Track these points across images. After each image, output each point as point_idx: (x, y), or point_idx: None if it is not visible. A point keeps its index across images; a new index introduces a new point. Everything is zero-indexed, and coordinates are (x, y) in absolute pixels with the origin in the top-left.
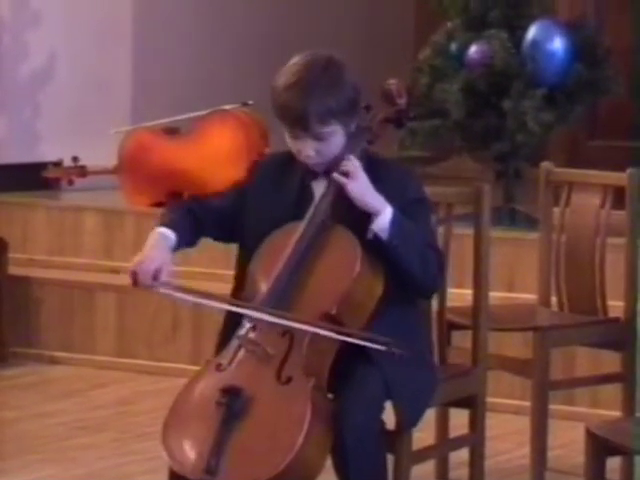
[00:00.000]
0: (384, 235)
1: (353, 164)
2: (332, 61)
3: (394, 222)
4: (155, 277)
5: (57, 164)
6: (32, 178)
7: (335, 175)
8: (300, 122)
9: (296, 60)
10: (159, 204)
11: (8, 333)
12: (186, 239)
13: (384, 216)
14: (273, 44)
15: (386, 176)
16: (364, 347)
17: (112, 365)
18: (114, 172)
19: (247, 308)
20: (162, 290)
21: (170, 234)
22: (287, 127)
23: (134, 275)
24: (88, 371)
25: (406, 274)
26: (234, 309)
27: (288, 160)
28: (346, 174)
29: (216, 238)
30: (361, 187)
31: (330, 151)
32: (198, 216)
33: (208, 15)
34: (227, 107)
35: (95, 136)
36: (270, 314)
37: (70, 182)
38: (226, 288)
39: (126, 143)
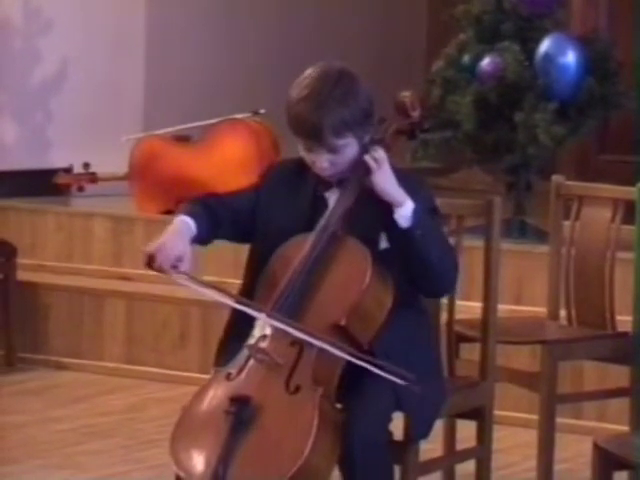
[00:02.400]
0: (406, 223)
1: (380, 154)
2: (345, 72)
3: (416, 212)
4: (174, 265)
5: (67, 170)
6: (42, 184)
7: (367, 157)
8: (314, 135)
9: (309, 72)
10: (169, 211)
11: (16, 338)
12: (203, 234)
13: (406, 206)
14: (285, 54)
15: (400, 185)
16: (374, 357)
17: (120, 372)
18: (125, 179)
19: (261, 310)
20: (178, 278)
21: (192, 224)
22: (301, 139)
23: (151, 257)
24: (96, 377)
25: (425, 267)
26: (248, 310)
27: (301, 167)
28: (376, 160)
29: (230, 238)
30: (386, 176)
31: (344, 162)
32: (216, 212)
33: (220, 24)
34: (238, 116)
35: (106, 143)
36: (284, 322)
37: (80, 188)
38: None
39: (137, 150)
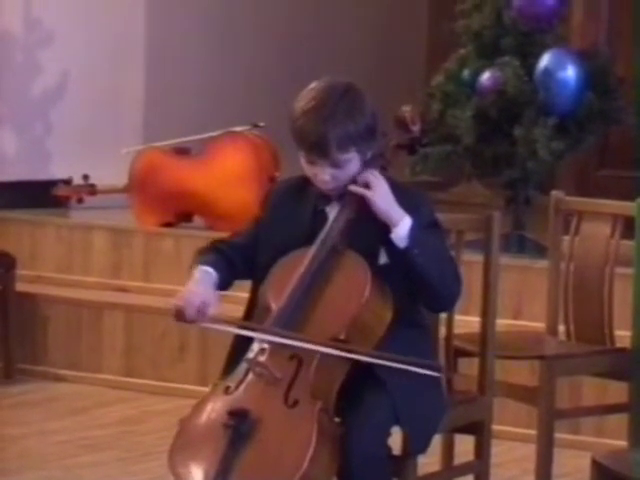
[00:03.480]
0: (403, 243)
1: (373, 174)
2: (351, 87)
3: (413, 230)
4: (200, 311)
5: (67, 182)
6: (42, 196)
7: (353, 187)
8: (318, 148)
9: (314, 85)
10: (168, 224)
11: (15, 350)
12: (224, 279)
13: (403, 225)
14: (286, 68)
15: (400, 199)
16: (373, 372)
17: (118, 384)
18: (124, 191)
19: (285, 337)
20: (208, 325)
21: (212, 271)
22: (304, 152)
23: (179, 309)
24: (94, 389)
25: (425, 285)
26: (277, 339)
27: (301, 185)
28: (366, 185)
29: (248, 277)
30: (381, 197)
31: (346, 177)
32: (229, 256)
33: (220, 37)
34: (238, 129)
35: (106, 155)
36: (286, 336)
37: (80, 200)
38: (234, 309)
39: (137, 163)
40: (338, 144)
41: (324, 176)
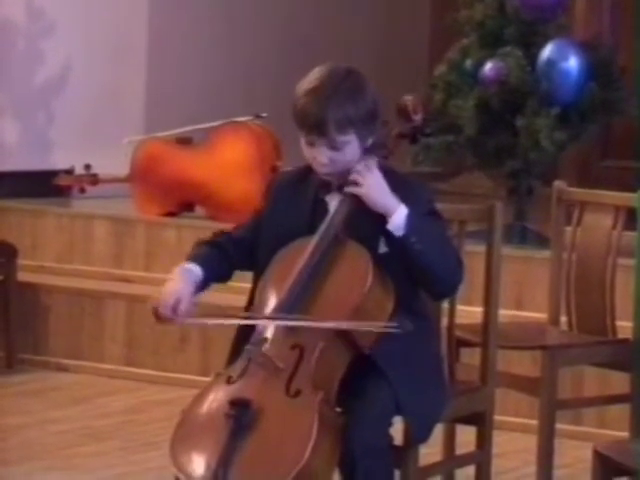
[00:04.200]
0: (400, 232)
1: (365, 166)
2: (353, 71)
3: (409, 218)
4: (174, 310)
5: (69, 172)
6: (43, 185)
7: (347, 190)
8: (317, 127)
9: (317, 69)
10: (170, 213)
11: (16, 339)
12: (215, 272)
13: (399, 214)
14: (286, 58)
15: (398, 189)
16: (375, 362)
17: (120, 374)
18: (126, 181)
19: (267, 318)
20: (184, 322)
21: (194, 267)
22: (304, 132)
23: (155, 310)
24: (95, 379)
25: (426, 272)
26: (256, 322)
27: (303, 176)
28: (356, 183)
29: (249, 268)
30: (374, 189)
31: (344, 161)
32: (225, 248)
33: (221, 27)
34: (240, 119)
35: (108, 145)
36: (289, 319)
37: (82, 190)
38: (233, 299)
39: (139, 152)
40: (337, 124)
41: (322, 158)
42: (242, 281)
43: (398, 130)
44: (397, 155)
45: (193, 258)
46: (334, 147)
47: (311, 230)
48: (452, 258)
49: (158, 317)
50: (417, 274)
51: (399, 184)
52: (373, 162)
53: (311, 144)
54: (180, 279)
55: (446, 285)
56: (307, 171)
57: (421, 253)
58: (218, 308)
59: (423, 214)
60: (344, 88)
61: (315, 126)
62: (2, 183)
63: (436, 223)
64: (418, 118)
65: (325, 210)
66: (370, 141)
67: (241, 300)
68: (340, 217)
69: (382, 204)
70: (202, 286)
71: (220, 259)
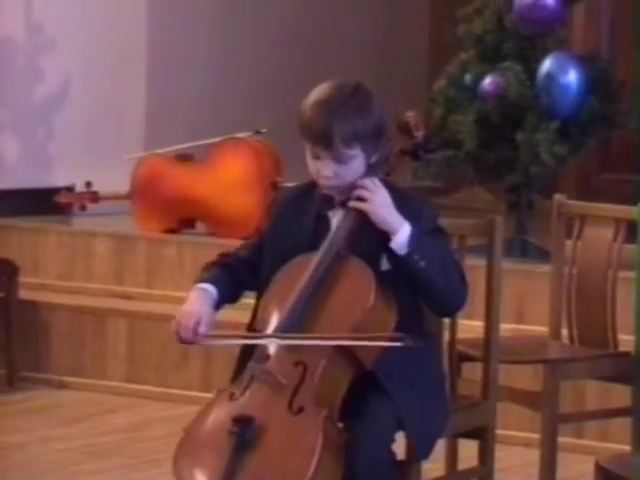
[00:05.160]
0: (403, 251)
1: (372, 183)
2: (361, 86)
3: (413, 236)
4: (195, 331)
5: (69, 189)
6: (44, 203)
7: (352, 203)
8: (323, 139)
9: (325, 83)
10: (171, 230)
11: (18, 357)
12: (227, 293)
13: (402, 232)
14: (286, 74)
15: (402, 206)
16: (377, 378)
17: (122, 391)
18: (127, 198)
19: (270, 337)
20: (205, 342)
21: (210, 288)
22: (310, 145)
23: (177, 333)
24: (97, 396)
25: (430, 290)
26: (260, 341)
27: (305, 192)
28: (362, 199)
29: (258, 288)
30: (380, 206)
31: (348, 176)
32: (234, 269)
33: (223, 44)
34: (240, 135)
35: (108, 162)
36: (293, 338)
37: (82, 207)
38: (234, 314)
39: (139, 169)
40: (343, 138)
41: (327, 172)
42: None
43: (400, 147)
44: (398, 170)
45: (206, 279)
46: (340, 161)
47: (313, 246)
48: (456, 277)
49: (181, 340)
50: (421, 292)
51: (403, 201)
52: (377, 178)
53: (317, 157)
54: (197, 300)
55: (450, 303)
56: (310, 187)
57: (424, 271)
58: (227, 325)
59: (427, 232)
60: (352, 102)
61: (321, 138)
62: (3, 201)
63: (440, 241)
64: (420, 135)
65: (327, 226)
66: (375, 158)
67: (244, 316)
68: (343, 233)
69: (387, 221)
70: (217, 306)
71: (230, 280)
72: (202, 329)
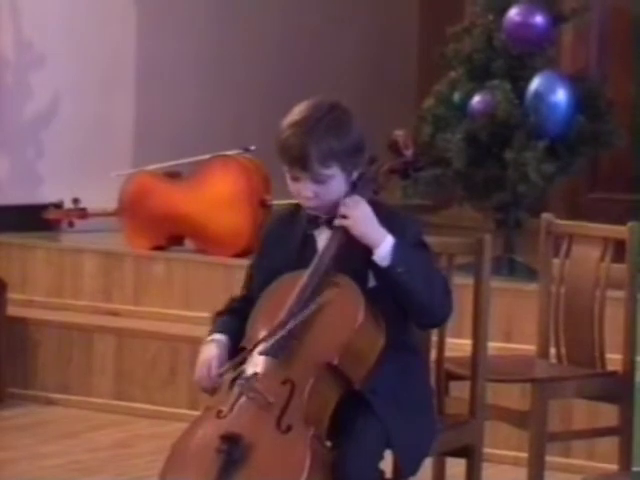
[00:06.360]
0: (385, 262)
1: (348, 202)
2: (337, 105)
3: (395, 248)
4: (212, 378)
5: (58, 206)
6: (32, 219)
7: (336, 222)
8: (300, 161)
9: (303, 103)
10: (159, 247)
11: (5, 374)
12: (238, 337)
13: (385, 245)
14: (275, 92)
15: (387, 222)
16: (364, 396)
17: (109, 408)
18: (115, 215)
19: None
20: (222, 379)
21: (218, 336)
22: (287, 167)
23: (202, 389)
24: (85, 413)
25: (413, 302)
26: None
27: (292, 213)
28: (344, 216)
29: None
30: (361, 221)
31: (329, 195)
32: (243, 312)
33: (210, 60)
34: (229, 152)
35: (97, 178)
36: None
37: (71, 224)
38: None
39: (128, 186)
40: (319, 158)
41: (307, 192)
42: None
43: (389, 165)
44: (387, 188)
45: (216, 329)
46: (318, 181)
47: (299, 264)
48: (440, 289)
49: (205, 391)
50: (405, 304)
51: (387, 216)
52: (361, 196)
53: (295, 179)
54: (206, 349)
55: (434, 315)
56: (297, 207)
57: (407, 283)
58: None
59: (410, 245)
60: (326, 121)
61: (297, 159)
62: None
63: (423, 254)
64: (409, 153)
65: (313, 245)
66: (356, 175)
67: None
68: (330, 253)
69: (368, 236)
70: (230, 350)
71: (241, 324)
72: (214, 372)
